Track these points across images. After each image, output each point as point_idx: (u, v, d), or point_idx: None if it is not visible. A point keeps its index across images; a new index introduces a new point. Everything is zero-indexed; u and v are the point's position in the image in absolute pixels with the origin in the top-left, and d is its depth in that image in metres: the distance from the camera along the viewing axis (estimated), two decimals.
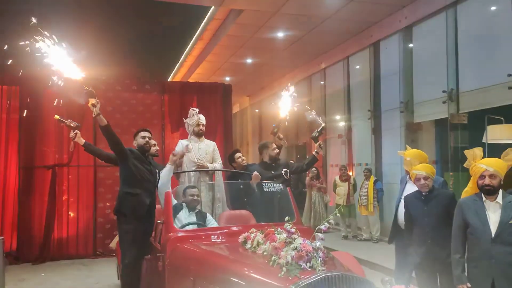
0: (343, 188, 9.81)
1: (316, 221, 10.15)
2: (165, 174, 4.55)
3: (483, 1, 7.43)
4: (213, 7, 9.64)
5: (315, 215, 10.38)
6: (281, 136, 5.88)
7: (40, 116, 8.08)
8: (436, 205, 3.82)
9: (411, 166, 4.04)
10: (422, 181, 3.84)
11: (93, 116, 4.29)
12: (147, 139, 4.79)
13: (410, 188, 4.16)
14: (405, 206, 4.07)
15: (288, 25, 9.88)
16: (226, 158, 9.35)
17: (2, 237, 6.55)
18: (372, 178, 9.31)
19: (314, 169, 10.74)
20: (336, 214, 3.38)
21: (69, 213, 8.31)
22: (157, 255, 3.89)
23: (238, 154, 6.09)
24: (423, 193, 3.88)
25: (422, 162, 4.05)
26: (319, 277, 2.56)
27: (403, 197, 4.18)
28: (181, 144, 5.70)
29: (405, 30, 9.06)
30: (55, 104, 6.10)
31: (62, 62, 4.13)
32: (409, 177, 4.22)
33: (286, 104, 5.51)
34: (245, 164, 5.90)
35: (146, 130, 4.89)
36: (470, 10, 7.66)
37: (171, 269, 3.64)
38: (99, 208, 8.44)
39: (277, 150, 5.43)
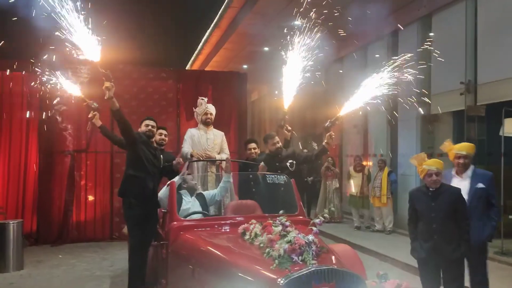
0: (357, 178, 9.78)
1: (332, 213, 10.24)
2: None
3: None
4: None
5: (329, 205, 10.40)
6: (289, 128, 5.86)
7: (60, 102, 8.27)
8: (444, 201, 3.80)
9: (421, 161, 3.97)
10: (434, 177, 3.80)
11: (105, 98, 4.40)
12: (150, 127, 4.97)
13: (458, 184, 4.05)
14: (410, 201, 4.06)
15: (305, 12, 9.77)
16: (241, 146, 9.50)
17: (21, 220, 6.87)
18: (386, 169, 9.24)
19: (330, 158, 10.72)
20: (331, 208, 3.40)
21: (87, 197, 8.57)
22: (161, 242, 4.02)
23: (252, 145, 6.11)
24: (431, 189, 3.85)
25: (442, 169, 3.94)
26: (309, 271, 2.62)
27: None
28: (190, 132, 5.80)
29: (424, 19, 8.86)
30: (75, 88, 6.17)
31: (83, 44, 4.20)
32: (455, 172, 4.16)
33: (289, 96, 5.45)
34: (254, 157, 5.91)
35: (150, 119, 5.06)
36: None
37: (173, 257, 3.76)
38: (116, 193, 8.64)
39: (278, 145, 5.40)
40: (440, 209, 3.79)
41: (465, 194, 3.97)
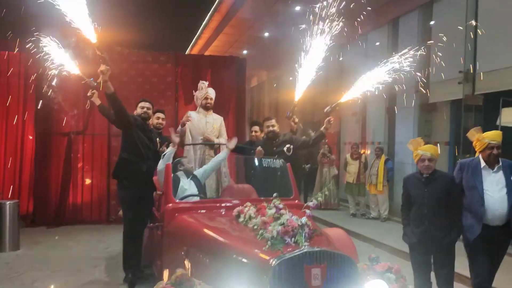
0: (354, 166, 9.82)
1: (326, 196, 10.27)
2: (168, 156, 4.45)
3: None
4: None
5: (323, 189, 10.47)
6: (296, 120, 5.87)
7: (57, 83, 8.22)
8: (436, 187, 3.83)
9: (417, 146, 3.99)
10: (427, 162, 3.83)
11: (100, 81, 4.37)
12: (145, 109, 4.98)
13: (491, 177, 3.78)
14: (404, 186, 4.09)
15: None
16: (239, 131, 9.50)
17: (17, 200, 6.88)
18: (383, 157, 9.27)
19: (326, 145, 10.75)
20: (325, 192, 3.42)
21: (84, 179, 8.59)
22: (157, 224, 4.05)
23: (254, 128, 6.15)
24: (424, 175, 3.87)
25: (437, 156, 3.91)
26: (301, 252, 2.64)
27: (487, 190, 3.76)
28: (189, 114, 5.79)
29: (424, 7, 8.80)
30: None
31: (80, 24, 4.14)
32: (485, 164, 3.79)
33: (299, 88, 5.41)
34: (254, 140, 5.96)
35: (146, 101, 5.07)
36: None
37: (167, 238, 3.79)
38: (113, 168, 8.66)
39: (272, 128, 5.42)
40: (433, 195, 3.82)
41: (501, 188, 3.72)
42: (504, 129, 7.03)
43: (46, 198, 8.28)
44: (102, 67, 4.25)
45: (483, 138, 3.79)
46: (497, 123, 7.05)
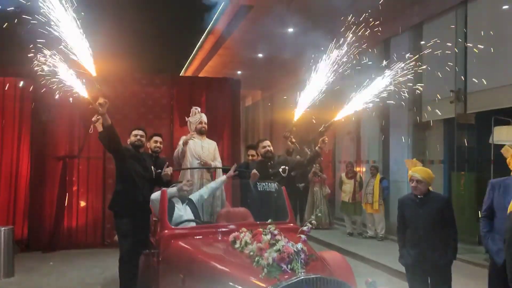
0: (349, 185, 9.84)
1: (319, 218, 10.26)
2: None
3: (493, 0, 7.32)
4: (223, 2, 9.70)
5: (315, 210, 10.44)
6: (294, 140, 5.94)
7: (52, 107, 8.26)
8: (431, 208, 3.86)
9: (411, 166, 4.05)
10: (415, 184, 3.89)
11: (98, 114, 4.42)
12: (138, 137, 5.02)
13: None
14: (398, 207, 4.11)
15: (297, 20, 9.86)
16: (234, 152, 9.53)
17: (12, 227, 6.82)
18: (379, 176, 9.30)
19: (317, 164, 10.77)
20: (318, 214, 3.45)
21: (79, 203, 8.54)
22: (153, 251, 4.04)
23: (251, 151, 6.23)
24: (419, 196, 3.91)
25: (427, 178, 3.90)
26: (297, 280, 2.65)
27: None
28: (185, 139, 5.85)
29: (415, 28, 8.97)
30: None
31: (78, 54, 4.20)
32: None
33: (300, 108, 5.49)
34: (249, 163, 5.99)
35: (139, 129, 5.13)
36: (480, 8, 7.55)
37: (164, 265, 3.78)
38: (108, 199, 8.50)
39: (268, 149, 5.46)
40: (427, 216, 3.84)
41: None
42: (496, 147, 7.12)
43: (41, 223, 8.21)
44: (101, 100, 4.31)
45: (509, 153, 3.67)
46: (490, 141, 7.13)
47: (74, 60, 4.16)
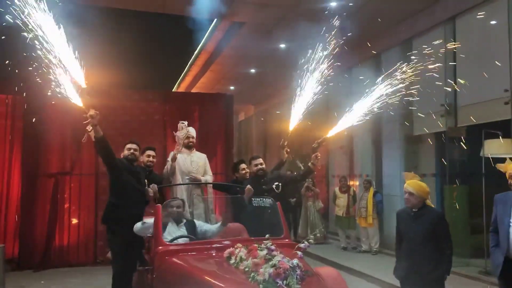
0: (342, 199, 9.85)
1: (312, 232, 10.21)
2: (147, 227, 4.32)
3: (481, 15, 7.45)
4: (216, 18, 9.80)
5: (311, 226, 10.43)
6: (288, 150, 5.96)
7: (44, 124, 8.24)
8: (424, 222, 3.89)
9: (407, 179, 4.07)
10: (406, 195, 3.95)
11: (89, 126, 4.41)
12: (132, 150, 5.01)
13: None
14: (396, 221, 4.16)
15: (289, 37, 9.98)
16: (228, 168, 9.52)
17: (2, 245, 6.72)
18: (372, 190, 9.33)
19: (309, 179, 10.78)
20: (317, 234, 3.45)
21: (71, 220, 8.44)
22: (147, 268, 4.00)
23: (243, 166, 6.17)
24: (414, 209, 3.95)
25: (420, 192, 3.94)
26: None
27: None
28: (173, 154, 5.84)
29: (405, 43, 9.12)
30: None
31: (69, 67, 4.20)
32: None
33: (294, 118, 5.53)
34: (246, 178, 5.97)
35: (133, 142, 5.12)
36: (468, 24, 7.71)
37: (158, 282, 3.74)
38: (100, 216, 8.53)
39: (259, 166, 5.46)
40: (420, 230, 3.87)
41: None
42: (487, 160, 7.19)
43: (32, 241, 8.09)
44: (92, 112, 4.30)
45: (504, 168, 3.75)
46: (481, 154, 7.21)
47: (63, 72, 4.16)
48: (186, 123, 6.04)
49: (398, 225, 4.11)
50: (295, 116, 5.52)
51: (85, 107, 4.43)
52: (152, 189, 4.92)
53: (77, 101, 4.42)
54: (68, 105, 5.27)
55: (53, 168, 8.39)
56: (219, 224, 4.55)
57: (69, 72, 4.24)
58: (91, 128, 4.76)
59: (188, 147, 5.91)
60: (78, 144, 7.87)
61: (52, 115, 8.03)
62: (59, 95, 4.30)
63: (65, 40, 4.16)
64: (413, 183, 3.97)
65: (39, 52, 4.11)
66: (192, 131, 6.02)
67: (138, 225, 4.33)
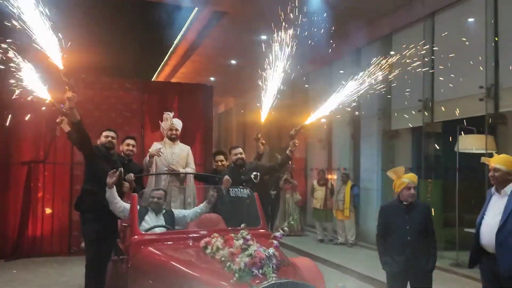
0: (320, 192, 9.93)
1: (292, 226, 10.28)
2: (108, 197, 4.31)
3: (460, 13, 7.59)
4: (196, 8, 9.68)
5: (288, 218, 10.49)
6: (263, 142, 5.95)
7: (17, 112, 8.00)
8: (417, 214, 3.92)
9: (400, 174, 4.03)
10: (412, 191, 3.91)
11: (66, 109, 4.29)
12: (110, 138, 4.96)
13: (497, 201, 3.62)
14: (381, 216, 4.11)
15: (271, 29, 9.93)
16: (207, 159, 9.47)
17: None
18: (349, 183, 9.43)
19: (287, 172, 10.84)
20: (290, 221, 3.46)
21: (44, 210, 8.27)
22: (121, 257, 3.94)
23: (219, 157, 6.16)
24: (405, 203, 3.94)
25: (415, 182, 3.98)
26: (268, 284, 2.65)
27: (486, 214, 3.67)
28: (155, 145, 5.75)
29: (385, 38, 9.20)
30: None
31: (47, 48, 4.05)
32: (495, 189, 3.66)
33: (266, 109, 5.52)
34: (221, 169, 5.97)
35: (110, 130, 5.04)
36: (447, 20, 7.82)
37: (133, 271, 3.69)
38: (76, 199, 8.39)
39: (239, 156, 5.44)
40: (414, 223, 3.87)
41: (498, 214, 3.52)
42: (462, 155, 7.36)
43: (4, 230, 7.88)
44: (69, 94, 4.18)
45: (487, 161, 3.74)
46: (455, 149, 7.36)
47: (40, 54, 4.03)
48: (171, 113, 5.93)
49: (383, 218, 4.06)
50: (265, 108, 5.50)
51: (54, 99, 4.31)
52: (128, 178, 4.84)
53: (44, 93, 4.30)
54: (49, 90, 5.15)
55: (27, 156, 8.18)
56: (201, 205, 4.54)
57: (46, 53, 4.10)
58: (61, 119, 4.65)
59: (171, 139, 5.83)
60: (52, 133, 7.69)
61: (25, 102, 7.78)
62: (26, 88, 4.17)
63: (43, 22, 4.02)
64: (413, 177, 3.99)
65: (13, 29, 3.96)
66: (177, 123, 5.92)
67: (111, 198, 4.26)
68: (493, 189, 3.70)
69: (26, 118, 6.83)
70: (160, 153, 5.51)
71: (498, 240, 3.45)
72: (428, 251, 3.89)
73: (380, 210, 4.14)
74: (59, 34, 4.11)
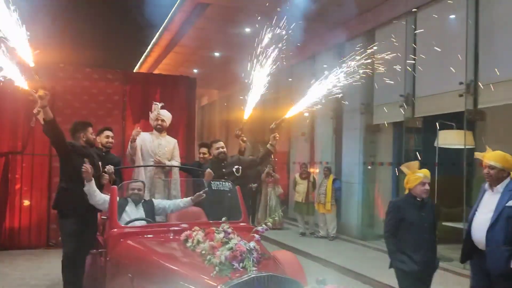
0: (302, 185, 9.97)
1: (276, 221, 10.30)
2: (87, 191, 4.31)
3: (441, 9, 7.66)
4: None
5: (270, 212, 10.52)
6: (245, 138, 5.94)
7: None
8: (431, 210, 3.89)
9: (414, 169, 3.91)
10: (427, 186, 3.82)
11: (38, 107, 4.18)
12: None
13: (489, 198, 3.61)
14: (393, 211, 3.90)
15: (254, 22, 9.88)
16: (189, 151, 9.41)
17: None
18: (331, 177, 9.50)
19: (269, 165, 10.85)
20: (275, 217, 3.46)
21: (22, 202, 8.11)
22: (100, 250, 3.90)
23: (202, 149, 6.15)
24: (418, 198, 3.82)
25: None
26: (248, 277, 2.64)
27: (478, 210, 3.66)
28: (142, 135, 5.71)
29: (367, 33, 9.24)
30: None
31: (16, 42, 3.93)
32: (488, 185, 3.65)
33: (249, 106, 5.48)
34: (202, 162, 5.96)
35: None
36: (429, 16, 7.89)
37: (112, 265, 3.66)
38: (53, 198, 8.26)
39: (221, 150, 5.43)
40: (429, 219, 3.81)
41: (489, 211, 3.50)
42: (441, 150, 7.48)
43: None
44: (41, 92, 4.06)
45: (481, 156, 3.69)
46: (435, 144, 7.47)
47: (10, 50, 3.91)
48: (159, 104, 5.88)
49: (398, 215, 3.83)
50: (250, 105, 5.47)
51: (31, 88, 4.20)
52: (108, 170, 4.77)
53: (21, 83, 4.18)
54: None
55: (4, 147, 7.99)
56: (185, 199, 4.53)
57: (16, 51, 3.99)
58: (38, 110, 4.54)
59: (157, 129, 5.79)
60: (30, 121, 7.53)
61: (2, 92, 7.61)
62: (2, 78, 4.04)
63: (13, 16, 3.88)
64: (427, 172, 3.87)
65: None
66: (165, 114, 5.88)
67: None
68: (486, 185, 3.67)
69: None
70: (139, 131, 5.48)
71: (489, 237, 3.45)
72: (435, 248, 3.88)
73: (391, 206, 3.94)
74: (25, 29, 3.97)
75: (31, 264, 6.98)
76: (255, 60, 5.37)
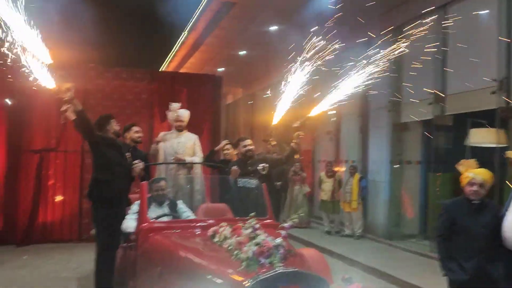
0: (328, 184, 9.92)
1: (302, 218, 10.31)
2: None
3: (472, 4, 7.48)
4: None
5: (296, 210, 10.50)
6: (274, 143, 5.96)
7: (29, 99, 8.10)
8: (491, 215, 3.47)
9: (468, 168, 3.63)
10: (476, 188, 3.46)
11: (66, 99, 4.29)
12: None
13: None
14: (446, 213, 3.63)
15: (279, 19, 9.90)
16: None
17: None
18: (357, 175, 9.41)
19: (297, 163, 10.82)
20: (301, 214, 3.46)
21: (55, 197, 8.39)
22: (130, 244, 3.99)
23: (227, 146, 6.21)
24: (473, 201, 3.49)
25: (489, 180, 3.54)
26: (275, 273, 2.67)
27: (509, 210, 3.40)
28: (161, 134, 5.83)
29: (396, 30, 9.08)
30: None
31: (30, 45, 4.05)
32: None
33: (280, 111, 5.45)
34: (229, 159, 6.01)
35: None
36: (459, 12, 7.70)
37: (141, 259, 3.74)
38: (85, 194, 8.49)
39: (249, 147, 5.44)
40: (489, 224, 3.42)
41: None
42: (472, 149, 7.30)
43: (16, 216, 8.03)
44: (68, 84, 4.22)
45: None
46: (466, 143, 7.30)
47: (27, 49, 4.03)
48: (176, 105, 6.02)
49: (450, 218, 3.56)
50: (282, 109, 5.39)
51: (57, 87, 4.33)
52: (136, 168, 4.88)
53: (49, 82, 4.32)
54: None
55: (38, 144, 8.29)
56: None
57: (31, 51, 4.11)
58: (66, 107, 4.67)
59: (177, 129, 5.93)
60: (65, 119, 7.76)
61: (35, 92, 7.86)
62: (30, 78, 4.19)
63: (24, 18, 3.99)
64: (482, 172, 3.51)
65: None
66: (183, 115, 6.00)
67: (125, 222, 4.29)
68: None
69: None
70: (162, 138, 5.62)
71: None
72: (504, 259, 3.38)
73: (444, 207, 3.66)
74: (59, 31, 4.08)
75: (63, 257, 7.22)
76: (293, 63, 5.32)
